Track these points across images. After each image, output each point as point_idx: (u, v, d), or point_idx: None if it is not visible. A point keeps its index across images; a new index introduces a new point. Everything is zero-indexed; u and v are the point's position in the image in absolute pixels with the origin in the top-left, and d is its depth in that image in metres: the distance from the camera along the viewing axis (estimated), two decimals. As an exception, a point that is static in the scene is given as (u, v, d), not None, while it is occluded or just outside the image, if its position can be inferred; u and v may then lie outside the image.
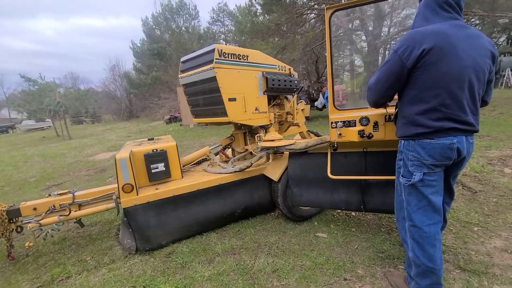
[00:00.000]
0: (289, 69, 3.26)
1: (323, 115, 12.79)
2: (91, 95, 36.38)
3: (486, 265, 1.92)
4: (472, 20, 15.68)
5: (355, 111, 2.14)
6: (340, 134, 2.13)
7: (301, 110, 3.72)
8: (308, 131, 3.75)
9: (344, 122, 2.12)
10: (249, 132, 3.20)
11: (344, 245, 2.36)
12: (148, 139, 3.20)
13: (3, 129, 29.47)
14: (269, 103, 3.21)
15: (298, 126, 3.63)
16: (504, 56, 18.88)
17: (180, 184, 2.58)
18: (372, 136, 2.01)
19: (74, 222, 2.77)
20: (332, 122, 2.16)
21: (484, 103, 1.64)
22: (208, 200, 2.67)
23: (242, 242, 2.54)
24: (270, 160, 3.00)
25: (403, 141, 1.64)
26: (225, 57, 2.42)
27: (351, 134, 2.06)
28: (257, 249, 2.40)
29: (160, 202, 2.46)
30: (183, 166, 3.11)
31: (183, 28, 31.30)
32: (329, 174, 2.25)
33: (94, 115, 37.80)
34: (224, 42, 31.87)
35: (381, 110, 1.96)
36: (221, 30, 33.57)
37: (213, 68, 2.37)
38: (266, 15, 15.12)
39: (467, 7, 11.94)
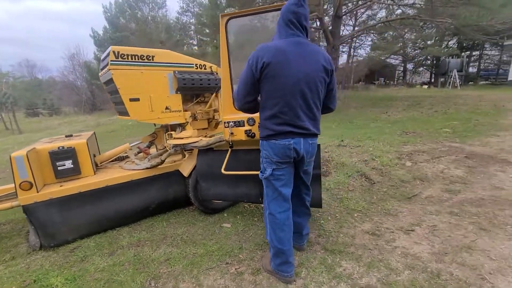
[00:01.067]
0: (210, 67, 3.40)
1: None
2: (45, 85, 33.59)
3: (346, 245, 2.25)
4: (428, 24, 16.89)
5: None
6: (232, 133, 2.34)
7: None
8: None
9: (235, 122, 2.33)
10: (169, 129, 3.31)
11: (242, 234, 2.61)
12: (66, 136, 3.20)
13: None
14: (190, 101, 3.35)
15: None
16: (452, 58, 20.49)
17: (88, 181, 2.65)
18: (255, 135, 2.24)
19: (-20, 221, 2.73)
20: (225, 122, 2.35)
21: (328, 109, 1.92)
22: (118, 196, 2.76)
23: (151, 235, 2.68)
24: (186, 156, 3.16)
25: (260, 141, 1.88)
26: (123, 59, 2.49)
27: (240, 133, 2.28)
28: (161, 241, 2.56)
29: (64, 199, 2.51)
30: (101, 163, 3.16)
31: (149, 17, 29.97)
32: (222, 170, 2.46)
33: (51, 107, 35.09)
34: (194, 34, 31.09)
35: None
36: (191, 21, 32.64)
37: (109, 70, 2.44)
38: (229, 9, 15.04)
39: (418, 11, 12.88)
